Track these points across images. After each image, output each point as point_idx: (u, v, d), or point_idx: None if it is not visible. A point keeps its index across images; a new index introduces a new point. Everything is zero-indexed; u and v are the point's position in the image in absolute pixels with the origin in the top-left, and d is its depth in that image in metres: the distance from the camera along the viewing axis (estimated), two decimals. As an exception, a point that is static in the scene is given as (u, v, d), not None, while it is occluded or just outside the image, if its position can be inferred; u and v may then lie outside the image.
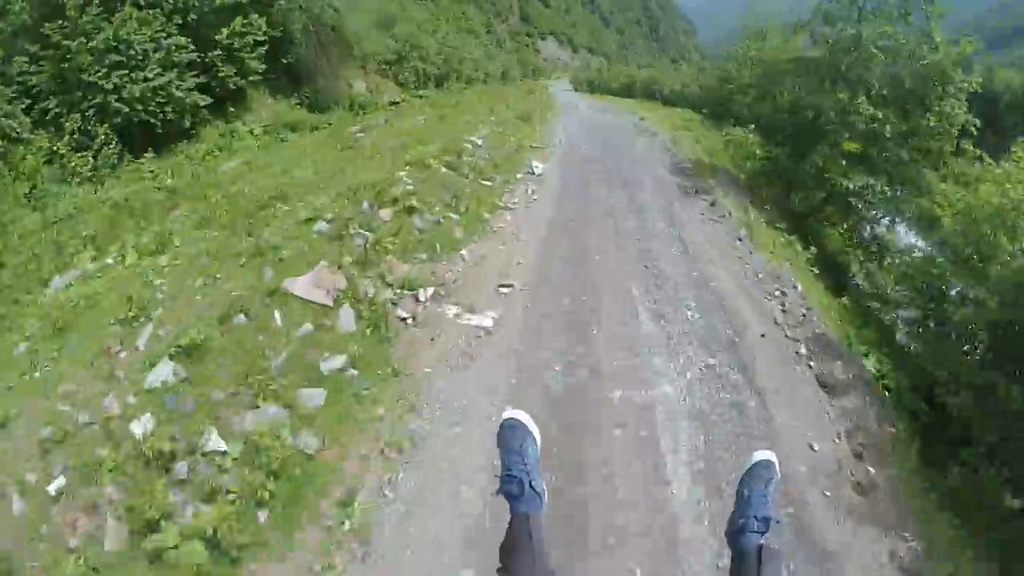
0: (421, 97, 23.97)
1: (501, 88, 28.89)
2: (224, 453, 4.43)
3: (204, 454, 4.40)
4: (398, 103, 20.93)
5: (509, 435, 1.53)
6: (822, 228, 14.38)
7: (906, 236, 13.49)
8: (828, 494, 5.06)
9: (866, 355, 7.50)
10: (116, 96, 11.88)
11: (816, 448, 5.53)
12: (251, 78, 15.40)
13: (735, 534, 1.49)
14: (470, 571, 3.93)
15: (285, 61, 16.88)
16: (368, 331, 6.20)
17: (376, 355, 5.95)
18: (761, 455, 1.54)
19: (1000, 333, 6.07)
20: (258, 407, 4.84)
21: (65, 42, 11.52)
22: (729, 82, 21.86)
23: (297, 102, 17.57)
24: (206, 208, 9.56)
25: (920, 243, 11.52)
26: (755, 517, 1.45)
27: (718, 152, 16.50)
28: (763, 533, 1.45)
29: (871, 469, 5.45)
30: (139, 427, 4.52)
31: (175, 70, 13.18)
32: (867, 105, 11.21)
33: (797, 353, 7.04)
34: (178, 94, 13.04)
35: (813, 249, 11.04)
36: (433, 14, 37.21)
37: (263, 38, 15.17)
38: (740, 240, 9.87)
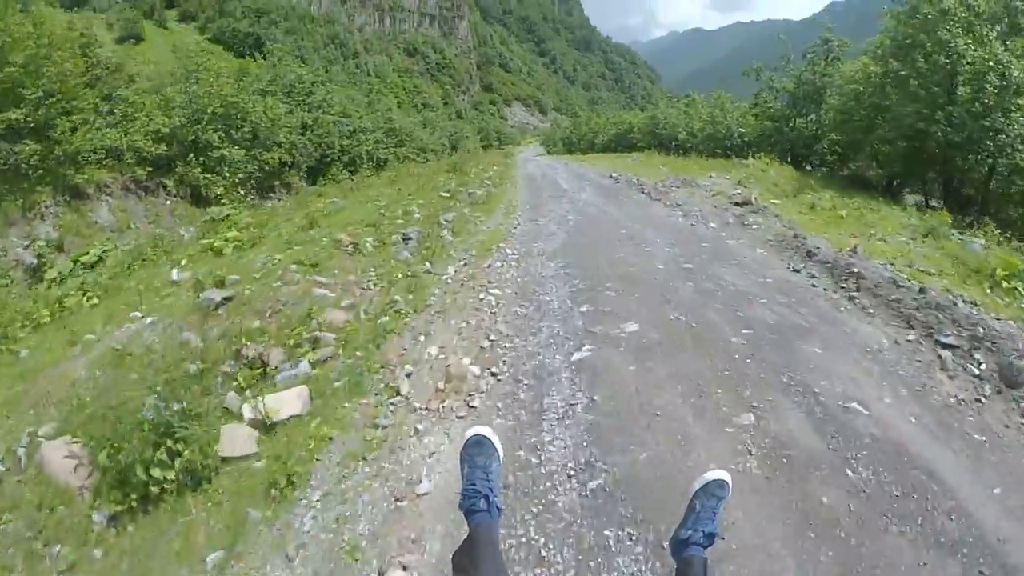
0: (217, 222, 10.79)
1: (387, 177, 15.57)
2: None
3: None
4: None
5: (475, 451, 1.53)
6: None
7: None
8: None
9: None
10: None
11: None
12: None
13: (680, 544, 1.52)
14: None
15: None
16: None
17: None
18: (716, 474, 1.56)
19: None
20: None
21: None
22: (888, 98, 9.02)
23: None
24: None
25: None
26: (702, 532, 1.49)
27: None
28: (706, 547, 1.49)
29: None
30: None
31: None
32: None
33: None
34: None
35: None
36: (309, 72, 24.95)
37: None
38: None
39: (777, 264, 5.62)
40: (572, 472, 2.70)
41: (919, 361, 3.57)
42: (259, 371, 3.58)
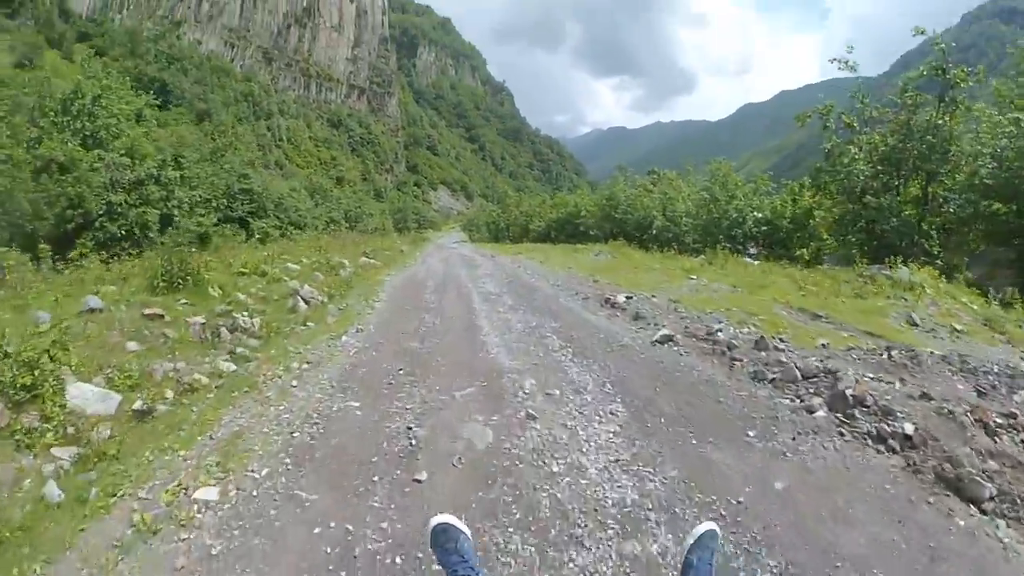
0: None
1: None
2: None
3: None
4: None
5: (443, 538, 1.62)
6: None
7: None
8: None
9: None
10: None
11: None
12: None
13: None
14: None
15: None
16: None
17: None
18: (707, 527, 1.63)
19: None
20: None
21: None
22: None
23: None
24: None
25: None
26: None
27: None
28: None
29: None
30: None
31: None
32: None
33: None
34: None
35: None
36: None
37: None
38: None
39: None
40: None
41: None
42: None
